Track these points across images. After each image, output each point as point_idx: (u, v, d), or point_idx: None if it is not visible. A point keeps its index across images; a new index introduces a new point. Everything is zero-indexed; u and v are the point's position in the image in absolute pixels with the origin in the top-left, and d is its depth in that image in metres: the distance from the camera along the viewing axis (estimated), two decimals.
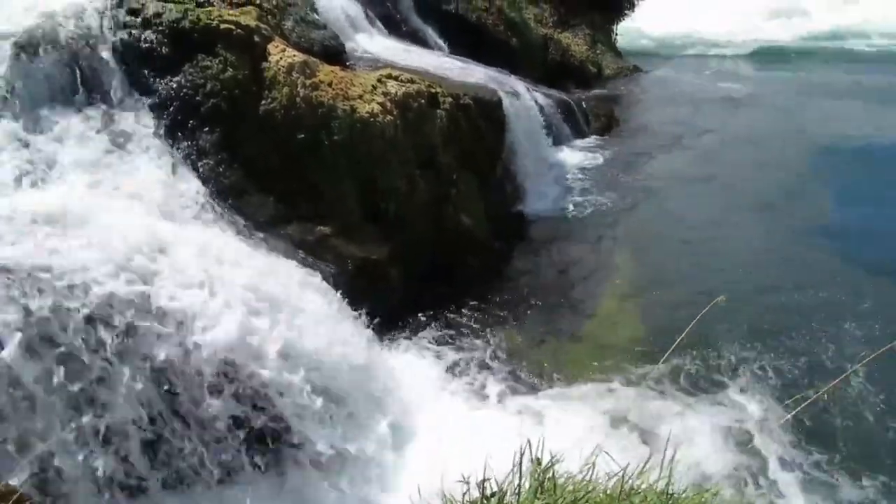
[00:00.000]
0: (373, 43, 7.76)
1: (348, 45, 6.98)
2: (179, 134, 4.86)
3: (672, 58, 18.64)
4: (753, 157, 9.30)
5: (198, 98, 4.96)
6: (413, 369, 4.87)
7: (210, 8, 5.32)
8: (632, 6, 17.59)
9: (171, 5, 5.12)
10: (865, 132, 10.46)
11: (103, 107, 4.67)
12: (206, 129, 4.95)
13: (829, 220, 7.18)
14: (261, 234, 4.83)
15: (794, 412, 4.00)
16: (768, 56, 18.72)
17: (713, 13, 22.65)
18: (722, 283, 5.78)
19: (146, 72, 4.87)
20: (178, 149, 4.82)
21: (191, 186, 4.51)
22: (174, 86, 4.92)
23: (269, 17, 5.83)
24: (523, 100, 8.34)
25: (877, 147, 9.73)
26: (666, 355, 2.42)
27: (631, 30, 18.96)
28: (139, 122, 4.74)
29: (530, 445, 2.16)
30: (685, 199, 7.83)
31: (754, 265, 6.17)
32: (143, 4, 5.00)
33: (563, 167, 8.73)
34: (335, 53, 6.42)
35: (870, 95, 12.83)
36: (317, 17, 6.68)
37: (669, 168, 8.89)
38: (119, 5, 4.94)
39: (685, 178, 8.53)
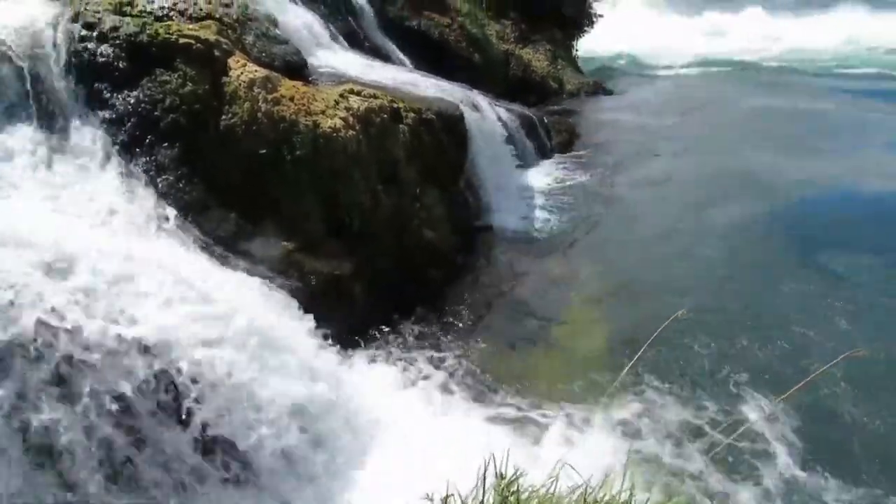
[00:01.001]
0: (335, 58, 7.74)
1: (310, 61, 6.95)
2: (137, 149, 4.78)
3: (631, 73, 19.03)
4: (714, 168, 9.51)
5: (156, 113, 4.89)
6: (377, 382, 4.84)
7: (169, 22, 5.26)
8: (591, 23, 17.99)
9: (128, 19, 5.05)
10: (829, 145, 10.82)
11: (58, 121, 4.58)
12: (166, 144, 4.88)
13: (793, 229, 7.37)
14: (222, 251, 4.77)
15: (753, 421, 4.09)
16: (717, 72, 19.38)
17: (666, 33, 23.87)
18: (687, 294, 5.91)
19: (102, 86, 4.78)
20: (135, 164, 4.74)
21: (148, 202, 4.43)
22: (132, 100, 4.84)
23: (229, 31, 5.78)
24: (485, 114, 8.41)
25: (840, 161, 10.03)
26: (626, 369, 2.46)
27: (591, 45, 19.42)
28: (95, 137, 4.66)
29: (494, 459, 2.17)
30: (649, 213, 7.96)
31: (718, 276, 6.28)
32: (99, 18, 4.92)
33: (525, 182, 8.81)
34: (297, 68, 6.39)
35: (831, 112, 13.26)
36: (278, 32, 6.64)
37: (632, 180, 9.04)
38: (74, 19, 4.85)
39: (648, 191, 8.68)
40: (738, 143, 11.00)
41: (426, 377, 4.90)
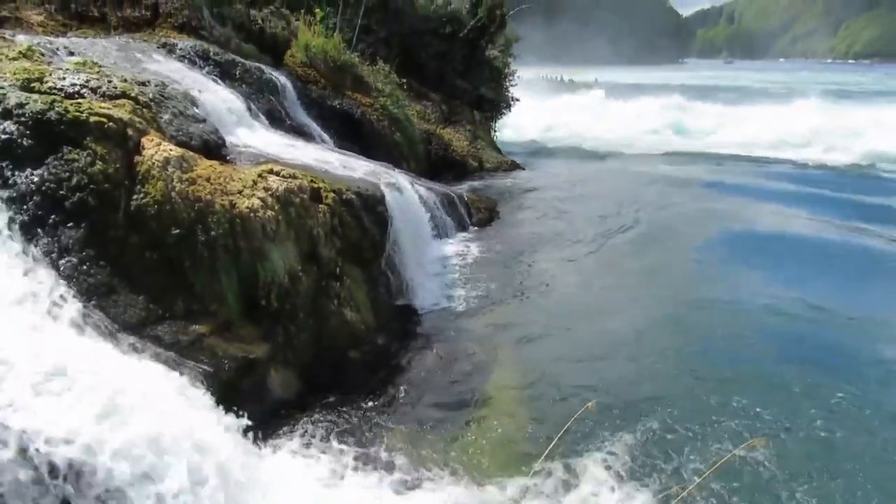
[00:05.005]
0: (256, 137, 7.73)
1: (230, 140, 6.91)
2: (39, 230, 4.55)
3: (546, 153, 20.00)
4: (631, 246, 9.95)
5: (62, 192, 4.69)
6: (293, 475, 4.61)
7: (80, 100, 5.13)
8: (508, 106, 18.90)
9: (35, 96, 4.91)
10: (752, 226, 11.54)
11: None
12: (70, 224, 4.67)
13: (702, 309, 7.62)
14: (128, 337, 4.52)
15: None
16: (632, 154, 20.98)
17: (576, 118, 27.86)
18: (599, 374, 5.98)
19: (3, 164, 4.57)
20: (36, 246, 4.49)
21: (47, 286, 4.18)
22: (35, 179, 4.63)
23: (144, 110, 5.69)
24: (406, 193, 8.51)
25: (771, 239, 10.61)
26: (540, 460, 2.45)
27: (508, 127, 20.55)
28: None
29: None
30: (566, 291, 8.14)
31: (626, 356, 6.40)
32: (4, 95, 4.75)
33: (447, 260, 8.89)
34: (215, 147, 6.33)
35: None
36: (196, 110, 6.60)
37: (550, 259, 9.27)
38: None
39: (565, 269, 8.91)
40: (653, 214, 11.68)
41: (344, 465, 4.71)
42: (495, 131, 19.26)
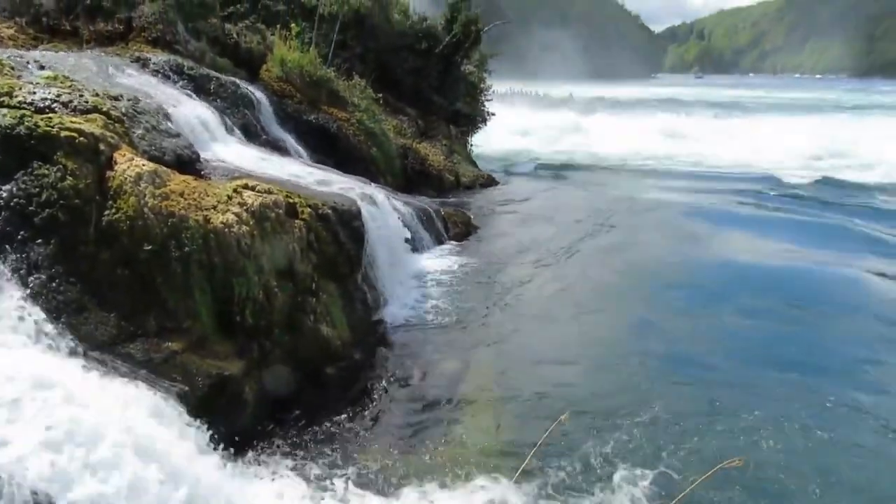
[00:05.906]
0: (230, 152, 7.68)
1: (204, 154, 6.86)
2: (7, 246, 4.46)
3: (520, 167, 20.29)
4: (605, 256, 10.09)
5: (31, 207, 4.61)
6: (271, 492, 4.55)
7: (51, 115, 5.07)
8: (484, 121, 19.07)
9: (5, 111, 4.84)
10: (733, 235, 11.79)
11: None
12: (40, 240, 4.58)
13: (680, 321, 7.68)
14: (99, 355, 4.44)
15: None
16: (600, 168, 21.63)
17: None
18: (574, 387, 6.00)
19: None
20: (4, 262, 4.41)
21: (15, 304, 4.10)
22: (4, 195, 4.55)
23: (116, 124, 5.64)
24: (383, 208, 8.51)
25: (749, 267, 10.47)
26: (517, 474, 2.46)
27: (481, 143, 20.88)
28: None
29: None
30: (540, 303, 8.20)
31: (606, 367, 6.44)
32: None
33: (423, 274, 8.89)
34: (189, 162, 6.28)
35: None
36: (170, 125, 6.55)
37: (525, 272, 9.33)
38: None
39: (540, 281, 8.98)
40: (626, 230, 11.83)
41: (320, 484, 4.66)
42: (471, 146, 19.40)
